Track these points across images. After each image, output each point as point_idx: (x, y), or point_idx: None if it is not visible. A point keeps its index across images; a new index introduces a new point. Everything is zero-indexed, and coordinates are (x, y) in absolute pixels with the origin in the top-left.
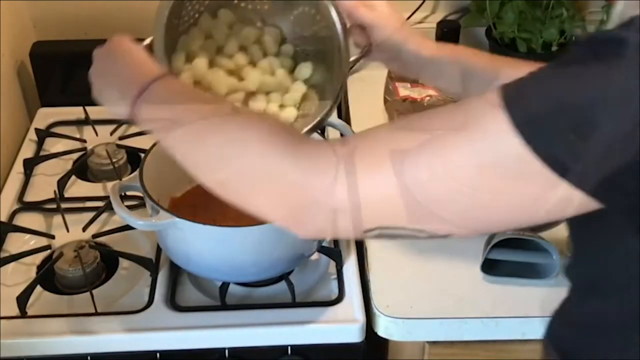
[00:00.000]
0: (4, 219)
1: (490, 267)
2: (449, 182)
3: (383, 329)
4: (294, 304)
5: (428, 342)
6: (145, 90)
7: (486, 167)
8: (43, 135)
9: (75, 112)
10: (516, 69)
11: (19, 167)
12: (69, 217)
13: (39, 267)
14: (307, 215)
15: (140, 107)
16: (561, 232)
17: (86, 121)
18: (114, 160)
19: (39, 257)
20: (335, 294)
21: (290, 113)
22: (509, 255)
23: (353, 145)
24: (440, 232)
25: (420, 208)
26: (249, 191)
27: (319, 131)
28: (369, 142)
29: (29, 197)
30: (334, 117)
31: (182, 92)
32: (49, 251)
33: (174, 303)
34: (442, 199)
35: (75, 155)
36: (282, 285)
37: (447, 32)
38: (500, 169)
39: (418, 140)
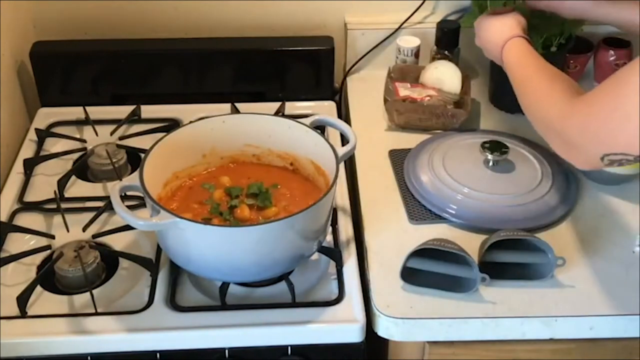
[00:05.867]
0: (4, 219)
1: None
2: None
3: (383, 329)
4: (294, 304)
5: (428, 342)
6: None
7: None
8: (43, 135)
9: (75, 112)
10: None
11: (19, 167)
12: (69, 217)
13: (39, 267)
14: None
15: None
16: (559, 231)
17: (86, 121)
18: (114, 160)
19: (39, 257)
20: (335, 294)
21: None
22: (503, 256)
23: None
24: None
25: None
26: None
27: (319, 130)
28: None
29: (29, 197)
30: (333, 117)
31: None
32: (49, 251)
33: (174, 303)
34: None
35: (75, 155)
36: (282, 285)
37: (447, 32)
38: None
39: None
